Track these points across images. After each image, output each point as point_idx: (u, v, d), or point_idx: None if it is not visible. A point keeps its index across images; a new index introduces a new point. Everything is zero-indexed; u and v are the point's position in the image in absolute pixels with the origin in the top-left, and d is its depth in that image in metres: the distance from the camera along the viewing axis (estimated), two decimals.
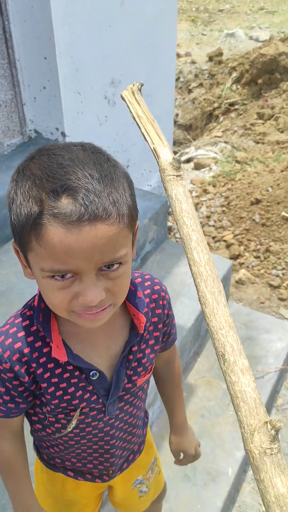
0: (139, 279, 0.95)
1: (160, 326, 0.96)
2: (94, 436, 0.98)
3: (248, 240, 3.06)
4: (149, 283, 0.95)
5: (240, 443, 1.90)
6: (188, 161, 4.51)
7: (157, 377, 1.17)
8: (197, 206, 3.42)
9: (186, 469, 1.83)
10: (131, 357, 0.91)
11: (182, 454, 1.25)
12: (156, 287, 0.95)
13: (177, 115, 6.03)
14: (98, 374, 0.87)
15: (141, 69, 2.60)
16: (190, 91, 6.18)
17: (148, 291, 0.94)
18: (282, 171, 3.28)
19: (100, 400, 0.91)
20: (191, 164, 4.35)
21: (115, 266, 0.70)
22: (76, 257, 0.66)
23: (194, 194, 3.58)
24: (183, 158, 4.58)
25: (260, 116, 4.84)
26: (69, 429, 0.92)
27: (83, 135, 2.28)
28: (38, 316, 0.83)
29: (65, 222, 0.63)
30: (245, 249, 3.02)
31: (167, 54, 2.81)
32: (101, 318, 0.75)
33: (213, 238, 3.13)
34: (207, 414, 2.01)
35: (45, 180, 0.66)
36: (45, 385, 0.86)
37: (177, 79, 6.41)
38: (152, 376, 1.14)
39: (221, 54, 6.55)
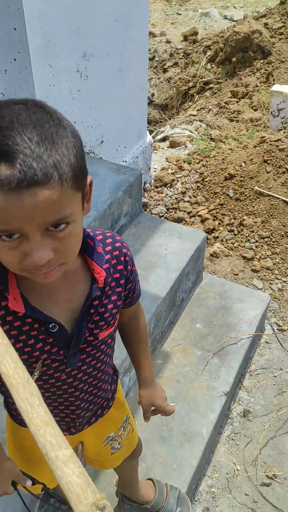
0: (101, 236, 0.97)
1: (122, 282, 0.99)
2: (58, 389, 1.01)
3: (222, 214, 3.11)
4: (110, 240, 0.97)
5: (214, 405, 1.97)
6: (163, 139, 4.52)
7: (122, 333, 1.21)
8: (172, 182, 3.45)
9: (162, 430, 1.89)
10: (92, 310, 0.93)
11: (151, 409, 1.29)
12: (117, 244, 0.98)
13: (152, 94, 6.02)
14: (57, 326, 0.90)
15: (113, 43, 2.59)
16: (165, 71, 6.16)
17: (109, 247, 0.96)
18: (255, 146, 3.33)
19: (61, 352, 0.93)
20: (167, 143, 4.37)
21: (62, 226, 0.71)
22: (17, 220, 0.67)
23: (169, 171, 3.60)
24: (159, 136, 4.59)
25: (234, 94, 4.87)
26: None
27: (55, 108, 2.28)
28: None
29: (4, 189, 0.64)
30: (219, 224, 3.07)
31: (140, 29, 2.80)
32: (53, 275, 0.78)
33: (188, 213, 3.18)
34: (182, 379, 2.07)
35: None
36: None
37: (152, 59, 6.38)
38: (118, 332, 1.18)
39: (196, 33, 6.53)
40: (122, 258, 0.98)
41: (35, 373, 0.93)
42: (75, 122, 2.47)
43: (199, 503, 1.86)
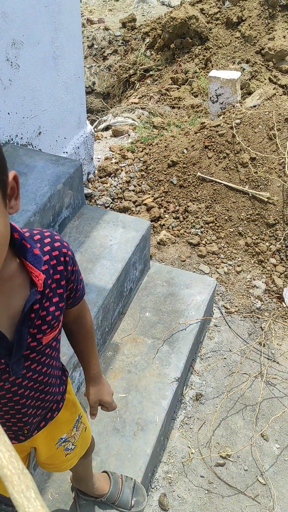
0: (38, 236, 0.93)
1: (63, 283, 0.95)
2: (2, 398, 0.97)
3: (167, 202, 3.11)
4: (49, 240, 0.93)
5: (165, 392, 1.99)
6: (106, 128, 4.47)
7: (68, 333, 1.17)
8: (116, 172, 3.41)
9: (115, 422, 1.88)
10: (33, 315, 0.89)
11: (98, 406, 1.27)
12: (57, 244, 0.93)
13: (93, 83, 5.92)
14: None
15: (44, 30, 2.51)
16: (105, 58, 6.07)
17: (48, 248, 0.92)
18: (196, 133, 3.35)
19: (3, 360, 0.89)
20: (110, 132, 4.32)
21: None
22: None
23: (113, 160, 3.57)
24: (102, 126, 4.53)
25: (175, 81, 4.87)
26: None
27: None
28: None
29: None
30: (165, 211, 3.07)
31: (72, 14, 2.72)
32: None
33: (134, 202, 3.16)
34: (133, 369, 2.07)
35: None
36: None
37: (91, 46, 6.27)
38: (63, 332, 1.15)
39: (134, 20, 6.46)
40: (62, 258, 0.94)
41: None
42: (8, 113, 2.38)
43: (156, 490, 1.88)
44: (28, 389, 0.99)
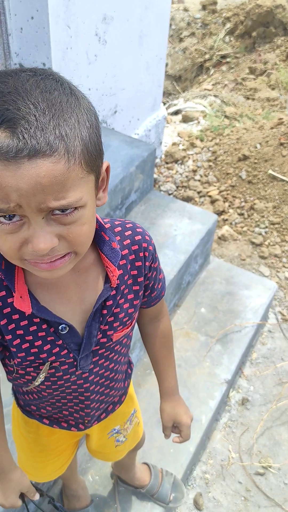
0: (119, 228, 0.88)
1: (140, 279, 0.90)
2: (67, 388, 0.95)
3: (233, 196, 3.03)
4: (130, 232, 0.88)
5: (214, 392, 1.95)
6: (176, 113, 4.38)
7: (143, 335, 1.12)
8: (183, 159, 3.35)
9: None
10: (105, 311, 0.85)
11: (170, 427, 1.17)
12: (138, 237, 0.88)
13: (166, 64, 5.82)
14: (67, 328, 0.82)
15: (134, 7, 2.45)
16: (181, 40, 5.94)
17: (128, 241, 0.87)
18: (271, 128, 3.22)
19: (71, 355, 0.86)
20: (179, 117, 4.23)
21: (69, 210, 0.63)
22: (14, 196, 0.59)
23: (181, 147, 3.50)
24: (171, 110, 4.44)
25: (252, 71, 4.71)
26: (37, 383, 0.89)
27: (71, 73, 2.16)
28: (0, 263, 0.77)
29: (2, 158, 0.57)
30: (229, 206, 2.99)
31: None
32: (59, 268, 0.69)
33: (198, 193, 3.09)
34: (183, 364, 2.04)
35: None
36: (9, 337, 0.81)
37: (169, 26, 6.14)
38: (140, 331, 1.11)
39: (215, 3, 6.26)
40: (141, 254, 0.88)
41: (40, 375, 0.87)
42: (89, 89, 2.36)
43: (192, 488, 1.86)
44: (94, 384, 0.97)
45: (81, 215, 0.65)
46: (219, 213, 2.95)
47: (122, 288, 0.87)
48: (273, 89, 4.38)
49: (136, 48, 2.61)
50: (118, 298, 0.87)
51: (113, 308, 0.86)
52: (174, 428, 1.17)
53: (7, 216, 0.62)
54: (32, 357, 0.85)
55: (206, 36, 5.68)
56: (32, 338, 0.82)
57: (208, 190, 3.07)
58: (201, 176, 3.19)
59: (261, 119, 3.74)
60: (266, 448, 2.00)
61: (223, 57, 5.18)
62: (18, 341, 0.82)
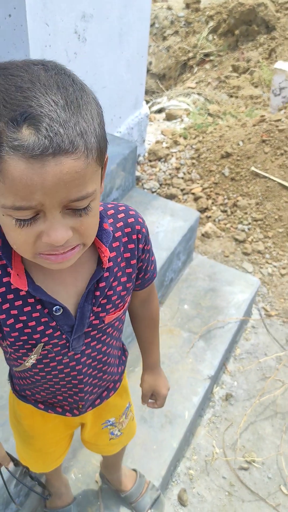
0: (112, 211, 0.89)
1: (133, 262, 0.91)
2: (60, 372, 0.96)
3: (216, 194, 3.04)
4: (122, 215, 0.89)
5: (197, 388, 1.95)
6: (160, 111, 4.39)
7: (133, 316, 1.14)
8: (167, 157, 3.35)
9: (144, 412, 1.87)
10: (98, 293, 0.86)
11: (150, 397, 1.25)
12: (130, 220, 0.89)
13: (150, 63, 5.82)
14: (61, 309, 0.83)
15: (114, 5, 2.45)
16: (165, 39, 5.94)
17: (121, 223, 0.88)
18: (254, 125, 3.24)
19: (64, 336, 0.87)
20: (163, 115, 4.24)
21: (83, 203, 0.65)
22: (38, 193, 0.60)
23: (164, 145, 3.50)
24: (155, 108, 4.45)
25: (235, 69, 4.73)
26: (28, 364, 0.90)
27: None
28: None
29: (27, 156, 0.57)
30: (212, 203, 3.00)
31: None
32: (69, 259, 0.71)
33: (182, 190, 3.10)
34: (167, 361, 2.04)
35: (2, 106, 0.58)
36: (3, 316, 0.82)
37: (152, 25, 6.14)
38: (127, 314, 1.11)
39: (198, 1, 6.28)
40: (134, 236, 0.89)
41: (32, 356, 0.88)
42: None
43: (176, 484, 1.86)
44: (86, 366, 0.98)
45: (92, 207, 0.67)
46: (203, 210, 2.96)
47: (115, 270, 0.88)
48: (256, 86, 4.41)
49: (116, 46, 2.61)
50: (111, 280, 0.88)
51: (106, 290, 0.87)
52: (151, 396, 1.26)
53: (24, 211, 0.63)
54: (25, 337, 0.85)
55: (189, 34, 5.70)
56: (26, 318, 0.83)
57: (191, 188, 3.08)
58: (184, 174, 3.19)
59: (244, 117, 3.76)
60: (250, 443, 2.01)
61: (207, 55, 5.19)
62: (11, 320, 0.83)
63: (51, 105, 0.58)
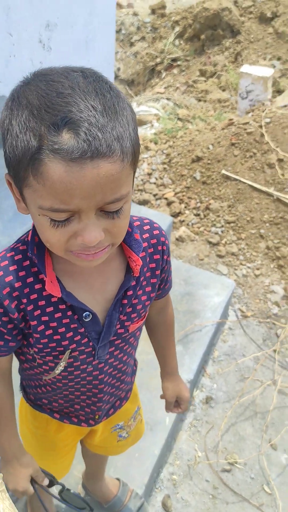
0: (138, 223, 0.92)
1: (158, 272, 0.93)
2: (83, 380, 0.96)
3: (189, 198, 3.06)
4: (148, 227, 0.92)
5: None
6: None
7: (150, 325, 1.15)
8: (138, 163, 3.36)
9: None
10: (125, 301, 0.88)
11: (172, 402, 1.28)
12: (156, 232, 0.92)
13: (118, 69, 5.84)
14: (91, 315, 0.84)
15: (78, 13, 2.45)
16: (132, 45, 5.97)
17: (147, 235, 0.91)
18: (223, 129, 3.28)
19: (91, 344, 0.88)
20: None
21: (117, 206, 0.68)
22: (76, 197, 0.62)
23: None
24: None
25: (203, 73, 4.78)
26: (58, 371, 0.91)
27: (16, 81, 2.13)
28: (32, 249, 0.79)
29: (66, 159, 0.59)
30: (185, 207, 3.02)
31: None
32: (99, 258, 0.73)
33: (154, 195, 3.11)
34: (145, 367, 2.04)
35: (44, 111, 0.61)
36: (34, 323, 0.83)
37: (119, 31, 6.17)
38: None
39: (164, 7, 6.34)
40: (160, 247, 0.92)
41: (61, 363, 0.89)
42: None
43: (160, 491, 1.86)
44: (107, 375, 0.99)
45: (124, 209, 0.70)
46: (176, 214, 2.98)
47: (141, 280, 0.90)
48: (223, 90, 4.47)
49: (83, 54, 2.61)
50: (137, 289, 0.90)
51: (132, 299, 0.89)
52: (175, 407, 1.29)
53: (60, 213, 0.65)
54: (54, 344, 0.86)
55: (156, 40, 5.74)
56: (56, 324, 0.84)
57: (163, 193, 3.10)
58: (156, 179, 3.21)
59: (213, 120, 3.80)
60: (232, 444, 2.02)
61: (174, 60, 5.24)
62: (42, 327, 0.84)
63: (90, 110, 0.60)
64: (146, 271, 0.91)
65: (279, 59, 4.63)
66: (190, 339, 2.16)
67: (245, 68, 3.58)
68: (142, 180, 3.23)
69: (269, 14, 4.93)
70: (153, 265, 0.92)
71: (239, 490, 1.89)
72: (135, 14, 6.49)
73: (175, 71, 5.13)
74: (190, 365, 2.06)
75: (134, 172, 0.73)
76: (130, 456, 1.76)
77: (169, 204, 3.03)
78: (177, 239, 2.85)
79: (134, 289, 0.88)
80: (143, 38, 5.98)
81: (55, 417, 1.08)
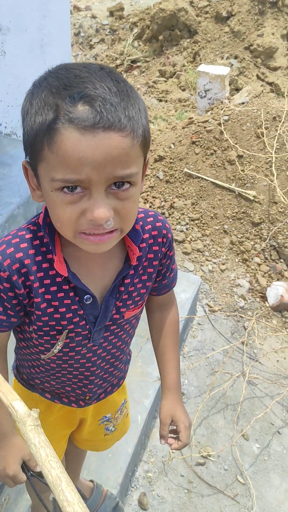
0: (142, 215, 0.94)
1: (155, 263, 0.95)
2: (76, 362, 0.98)
3: (153, 197, 3.08)
4: (151, 219, 0.94)
5: (148, 391, 1.97)
6: None
7: (151, 323, 1.14)
8: None
9: None
10: (122, 288, 0.91)
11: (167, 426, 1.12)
12: (158, 224, 0.94)
13: None
14: (91, 299, 0.88)
15: (32, 17, 2.44)
16: (91, 47, 5.97)
17: (149, 226, 0.93)
18: (183, 128, 3.32)
19: (87, 327, 0.91)
20: None
21: (126, 185, 0.70)
22: (88, 165, 0.65)
23: None
24: None
25: (162, 73, 4.82)
26: (56, 351, 0.93)
27: None
28: (44, 228, 0.83)
29: (80, 126, 0.64)
30: (150, 207, 3.04)
31: (61, 2, 2.65)
32: (107, 243, 0.75)
33: None
34: None
35: (62, 89, 0.66)
36: (38, 300, 0.86)
37: (78, 34, 6.16)
38: (147, 320, 1.15)
39: (122, 9, 6.37)
40: (160, 239, 0.95)
41: (59, 343, 0.91)
42: None
43: (136, 489, 1.86)
44: (100, 358, 1.01)
45: (133, 193, 0.73)
46: None
47: (139, 269, 0.93)
48: (183, 90, 4.52)
49: (38, 57, 2.59)
50: (134, 278, 0.92)
51: (129, 287, 0.92)
52: (171, 430, 1.12)
53: (70, 187, 0.68)
54: (53, 323, 0.89)
55: (115, 41, 5.76)
56: (58, 304, 0.87)
57: None
58: None
59: (174, 120, 3.84)
60: (205, 438, 2.05)
61: (134, 61, 5.27)
62: (44, 305, 0.87)
63: (105, 89, 0.65)
64: (144, 261, 0.94)
65: (236, 57, 4.72)
66: None
67: (202, 67, 3.64)
68: None
69: (224, 14, 5.02)
70: (151, 255, 0.94)
71: (213, 483, 1.91)
72: (93, 16, 6.48)
73: (135, 72, 5.16)
74: None
75: (145, 161, 0.77)
76: (103, 457, 1.76)
77: None
78: None
79: (131, 278, 0.92)
80: (102, 40, 5.99)
81: (46, 397, 1.09)
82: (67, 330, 0.90)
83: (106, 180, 0.68)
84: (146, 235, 0.93)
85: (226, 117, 3.12)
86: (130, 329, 1.03)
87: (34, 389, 1.10)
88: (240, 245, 2.80)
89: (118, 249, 0.89)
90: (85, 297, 0.87)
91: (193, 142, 3.15)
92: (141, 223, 0.92)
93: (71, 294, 0.87)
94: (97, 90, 0.65)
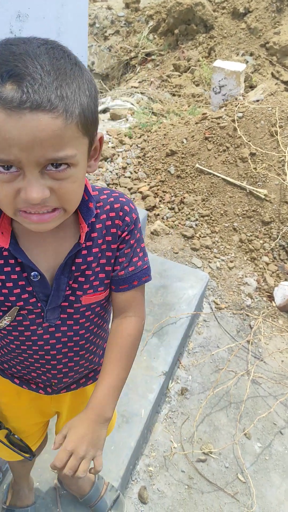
0: (105, 196, 0.91)
1: (113, 246, 0.91)
2: (34, 344, 0.97)
3: (163, 191, 3.07)
4: (112, 199, 0.91)
5: (152, 385, 1.97)
6: (104, 111, 4.38)
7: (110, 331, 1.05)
8: (113, 157, 3.35)
9: None
10: (73, 268, 0.89)
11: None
12: (117, 205, 0.90)
13: (93, 63, 5.79)
14: (39, 276, 0.86)
15: (50, 4, 2.42)
16: (106, 38, 5.94)
17: (108, 207, 0.90)
18: (196, 123, 3.29)
19: (39, 305, 0.90)
20: (107, 115, 4.23)
21: (62, 166, 0.69)
22: (15, 147, 0.64)
23: (110, 145, 3.50)
24: (99, 108, 4.43)
25: (176, 68, 4.79)
26: (2, 324, 0.92)
27: None
28: None
29: (6, 107, 0.62)
30: (160, 201, 3.03)
31: None
32: (48, 222, 0.74)
33: (129, 189, 3.11)
34: None
35: None
36: None
37: (93, 25, 6.12)
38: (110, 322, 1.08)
39: (138, 1, 6.32)
40: (117, 221, 0.90)
41: (5, 317, 0.90)
42: None
43: (136, 483, 1.86)
44: (61, 343, 0.99)
45: (72, 173, 0.71)
46: (151, 208, 2.98)
47: (94, 251, 0.90)
48: (197, 85, 4.49)
49: None
50: (89, 259, 0.90)
51: (81, 267, 0.89)
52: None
53: (6, 166, 0.67)
54: (2, 298, 0.88)
55: (130, 34, 5.72)
56: (4, 278, 0.86)
57: (138, 187, 3.10)
58: (131, 173, 3.20)
59: (187, 115, 3.82)
60: (207, 435, 2.04)
61: (148, 54, 5.23)
62: None
63: (36, 68, 0.63)
64: (101, 243, 0.90)
65: (251, 54, 4.68)
66: (165, 331, 2.17)
67: (218, 63, 3.60)
68: (117, 174, 3.22)
69: (241, 10, 4.97)
70: (109, 238, 0.90)
71: (214, 480, 1.91)
72: (109, 8, 6.44)
73: (149, 65, 5.13)
74: (165, 357, 2.07)
75: (91, 144, 0.74)
76: (105, 449, 1.76)
77: (144, 198, 3.03)
78: (152, 233, 2.86)
79: (84, 258, 0.89)
80: (117, 32, 5.95)
81: (15, 382, 1.09)
82: (17, 307, 0.89)
83: (36, 162, 0.66)
84: (103, 216, 0.89)
85: (240, 114, 3.10)
86: (95, 318, 0.96)
87: (4, 374, 1.10)
88: (249, 243, 2.79)
89: (73, 227, 0.88)
90: (32, 273, 0.86)
91: (206, 138, 3.13)
92: (100, 203, 0.90)
93: (18, 268, 0.86)
94: (27, 69, 0.63)
